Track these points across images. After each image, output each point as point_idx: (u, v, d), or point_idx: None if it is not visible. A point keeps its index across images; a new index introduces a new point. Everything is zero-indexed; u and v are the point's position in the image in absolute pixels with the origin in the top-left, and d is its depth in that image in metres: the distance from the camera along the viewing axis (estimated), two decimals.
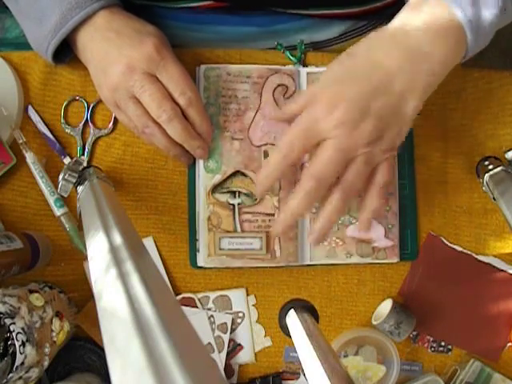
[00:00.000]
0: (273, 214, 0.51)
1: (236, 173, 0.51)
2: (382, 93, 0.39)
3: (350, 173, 0.41)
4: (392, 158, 0.43)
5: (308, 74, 0.52)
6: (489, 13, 0.41)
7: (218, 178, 0.50)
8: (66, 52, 0.49)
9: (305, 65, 0.54)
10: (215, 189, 0.51)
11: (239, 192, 0.51)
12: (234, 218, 0.51)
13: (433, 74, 0.40)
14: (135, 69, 0.43)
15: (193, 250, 0.53)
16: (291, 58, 0.54)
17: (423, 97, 0.41)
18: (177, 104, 0.45)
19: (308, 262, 0.52)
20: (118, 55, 0.44)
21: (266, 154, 0.51)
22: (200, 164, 0.51)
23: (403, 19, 0.41)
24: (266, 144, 0.51)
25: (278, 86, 0.52)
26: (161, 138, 0.46)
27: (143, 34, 0.45)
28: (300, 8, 0.54)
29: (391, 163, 0.43)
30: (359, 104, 0.39)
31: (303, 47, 0.55)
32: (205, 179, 0.50)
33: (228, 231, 0.50)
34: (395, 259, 0.53)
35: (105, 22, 0.45)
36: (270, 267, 0.52)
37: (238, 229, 0.51)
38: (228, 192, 0.51)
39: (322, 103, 0.40)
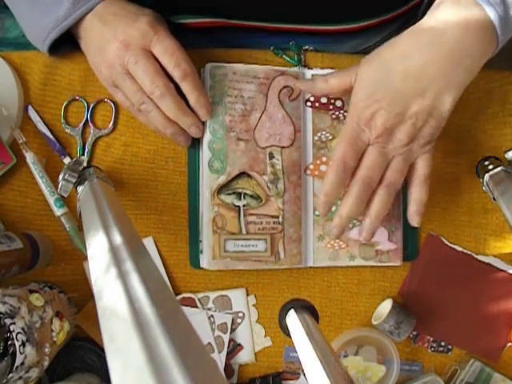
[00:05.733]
0: (277, 216, 0.51)
1: (241, 174, 0.51)
2: (418, 95, 0.42)
3: (391, 172, 0.46)
4: (431, 149, 0.46)
5: (313, 76, 0.52)
6: None
7: (222, 178, 0.50)
8: (62, 45, 0.49)
9: (305, 65, 0.54)
10: (220, 190, 0.50)
11: (244, 193, 0.51)
12: (239, 219, 0.50)
13: (470, 70, 0.42)
14: (130, 45, 0.44)
15: (195, 251, 0.53)
16: (290, 60, 0.54)
17: (459, 93, 0.43)
18: (172, 79, 0.45)
19: (311, 265, 0.52)
20: (114, 34, 0.44)
21: (271, 156, 0.51)
22: (204, 164, 0.50)
23: (437, 17, 0.42)
24: (271, 146, 0.51)
25: (284, 87, 0.51)
26: (157, 115, 0.47)
27: (138, 14, 0.45)
28: (309, 23, 0.53)
29: (430, 154, 0.47)
30: (395, 110, 0.43)
31: (299, 49, 0.54)
32: (209, 180, 0.50)
33: (233, 233, 0.50)
34: (398, 262, 0.53)
35: (104, 7, 0.45)
36: (273, 269, 0.52)
37: (243, 231, 0.50)
38: (233, 193, 0.51)
39: (361, 117, 0.44)
